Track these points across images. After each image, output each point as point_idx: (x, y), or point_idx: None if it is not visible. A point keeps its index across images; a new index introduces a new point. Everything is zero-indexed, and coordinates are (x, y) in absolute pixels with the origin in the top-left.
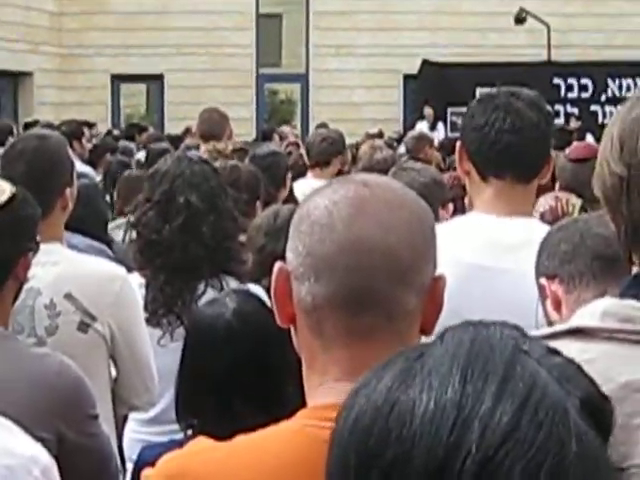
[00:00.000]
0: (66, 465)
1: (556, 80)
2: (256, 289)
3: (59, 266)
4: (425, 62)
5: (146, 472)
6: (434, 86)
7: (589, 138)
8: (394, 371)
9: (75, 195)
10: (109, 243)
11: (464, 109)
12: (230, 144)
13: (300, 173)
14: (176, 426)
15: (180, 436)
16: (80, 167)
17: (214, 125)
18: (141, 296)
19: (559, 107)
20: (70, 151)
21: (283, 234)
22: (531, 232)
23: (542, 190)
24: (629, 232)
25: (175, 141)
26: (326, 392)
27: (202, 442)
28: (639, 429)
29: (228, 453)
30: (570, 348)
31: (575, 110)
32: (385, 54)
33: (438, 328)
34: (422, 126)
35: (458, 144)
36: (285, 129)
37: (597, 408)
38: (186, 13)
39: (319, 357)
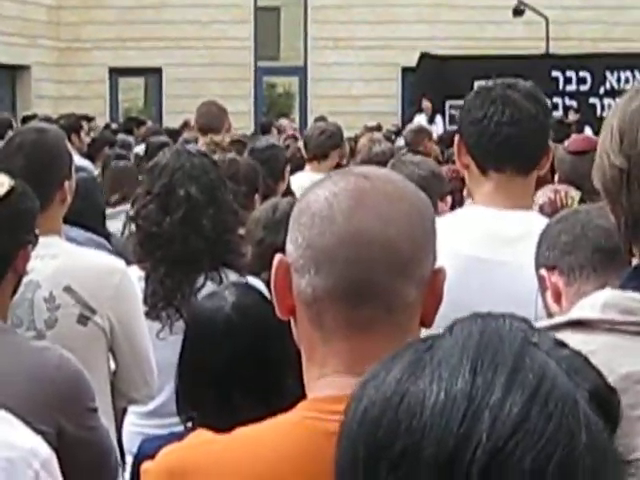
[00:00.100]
0: (66, 458)
1: (554, 73)
2: (255, 282)
3: (58, 259)
4: (423, 55)
5: (146, 465)
6: (432, 79)
7: (587, 131)
8: (403, 363)
9: (74, 188)
10: (107, 236)
11: (462, 102)
12: (227, 136)
13: (298, 166)
14: (175, 419)
15: (180, 429)
16: (78, 161)
17: (212, 118)
18: (140, 289)
19: (557, 100)
20: (69, 145)
21: (282, 227)
22: (530, 225)
23: (541, 183)
24: (629, 224)
25: (173, 134)
26: (326, 384)
27: (202, 435)
28: None
29: (227, 445)
30: (571, 340)
31: (573, 103)
32: (383, 47)
33: (437, 320)
34: (420, 119)
35: (456, 138)
36: (283, 122)
37: (604, 400)
38: (184, 7)
39: (319, 349)
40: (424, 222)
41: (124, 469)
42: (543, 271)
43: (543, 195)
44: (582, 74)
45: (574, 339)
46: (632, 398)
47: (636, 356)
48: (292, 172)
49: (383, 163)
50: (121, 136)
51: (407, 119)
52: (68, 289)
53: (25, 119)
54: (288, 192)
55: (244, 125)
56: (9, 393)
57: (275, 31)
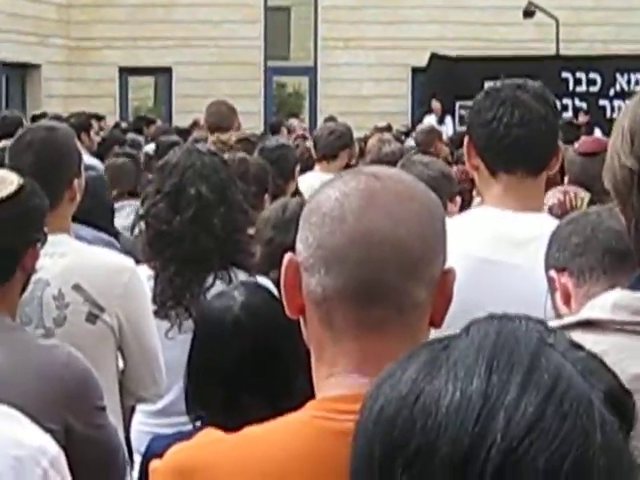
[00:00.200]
0: (74, 456)
1: (564, 74)
2: (264, 281)
3: (67, 257)
4: (433, 55)
5: (154, 463)
6: (442, 80)
7: (597, 132)
8: (419, 362)
9: (83, 187)
10: (116, 235)
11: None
12: (234, 135)
13: (307, 166)
14: (184, 418)
15: (188, 428)
16: (87, 159)
17: (222, 118)
18: (149, 288)
19: (567, 101)
20: (78, 143)
21: (291, 227)
22: (541, 227)
23: (551, 184)
24: (639, 226)
25: (183, 134)
26: (335, 384)
27: (210, 433)
28: None
29: (236, 444)
30: (582, 340)
31: (583, 104)
32: (394, 47)
33: (447, 321)
34: (430, 120)
35: (466, 139)
36: (293, 122)
37: (620, 401)
38: (194, 6)
39: (328, 349)
40: (434, 222)
41: (132, 468)
42: (553, 272)
43: (553, 196)
44: (592, 76)
45: (585, 339)
46: None
47: None
48: (301, 172)
49: (393, 163)
50: (131, 135)
51: (417, 120)
52: (77, 287)
53: (35, 118)
54: (296, 192)
55: (254, 125)
56: (18, 391)
57: (285, 31)
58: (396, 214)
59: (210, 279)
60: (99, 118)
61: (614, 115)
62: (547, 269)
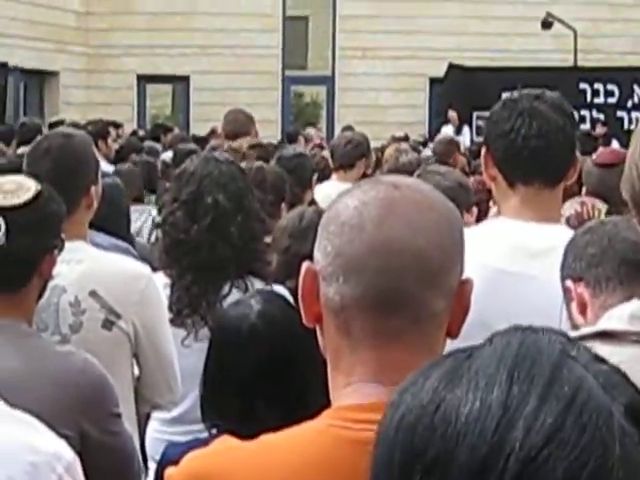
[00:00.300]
0: (89, 463)
1: (582, 85)
2: (281, 290)
3: (84, 264)
4: (451, 66)
5: (170, 470)
6: (460, 90)
7: (615, 144)
8: (441, 371)
9: (100, 194)
10: (132, 242)
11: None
12: (245, 142)
13: (324, 175)
14: (199, 426)
15: (204, 435)
16: (104, 167)
17: (240, 126)
18: (165, 296)
19: (585, 112)
20: (95, 150)
21: (308, 235)
22: (558, 239)
23: (568, 195)
24: None
25: (200, 142)
26: (351, 393)
27: (226, 441)
28: None
29: (253, 452)
30: (600, 351)
31: (601, 116)
32: (411, 57)
33: (463, 332)
34: (447, 130)
35: (483, 150)
36: (310, 131)
37: (638, 418)
38: (213, 14)
39: (345, 358)
40: (453, 232)
41: (147, 475)
42: (569, 282)
43: (570, 207)
44: (610, 87)
45: (603, 350)
46: None
47: None
48: (318, 181)
49: (410, 173)
50: (148, 143)
51: (434, 130)
52: (93, 294)
53: (52, 125)
54: (311, 202)
55: (271, 134)
56: (33, 397)
57: (303, 40)
58: (415, 223)
59: (226, 287)
60: (117, 126)
61: (632, 126)
62: (563, 279)
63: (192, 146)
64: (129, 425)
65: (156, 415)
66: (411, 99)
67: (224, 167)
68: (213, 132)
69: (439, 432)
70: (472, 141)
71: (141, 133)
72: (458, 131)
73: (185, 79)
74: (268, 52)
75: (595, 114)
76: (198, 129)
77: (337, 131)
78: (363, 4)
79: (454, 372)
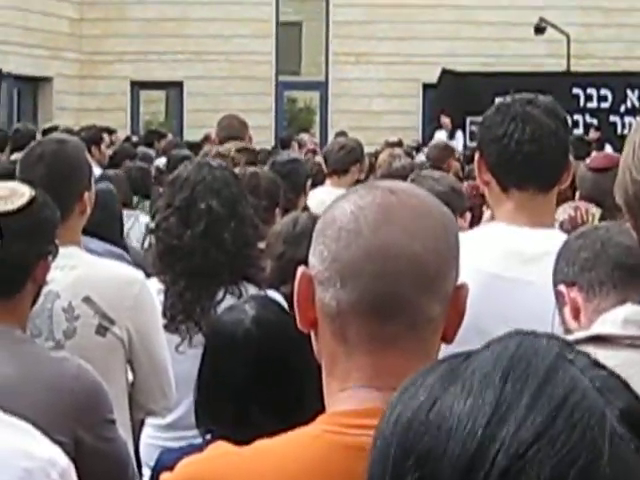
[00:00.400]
0: (83, 469)
1: (575, 90)
2: (275, 295)
3: (77, 270)
4: (444, 71)
5: (164, 476)
6: (453, 95)
7: (608, 149)
8: (439, 372)
9: (93, 200)
10: (125, 248)
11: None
12: (232, 145)
13: (318, 181)
14: (193, 432)
15: (198, 441)
16: (97, 173)
17: (234, 132)
18: (159, 302)
19: (578, 117)
20: (88, 156)
21: (302, 241)
22: (552, 243)
23: (562, 200)
24: None
25: (194, 148)
26: (346, 398)
27: (221, 446)
28: None
29: (247, 457)
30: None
31: (594, 120)
32: (405, 63)
33: (458, 336)
34: (441, 135)
35: (476, 155)
36: (304, 137)
37: (636, 422)
38: (206, 20)
39: (341, 363)
40: (449, 237)
41: None
42: (562, 287)
43: (564, 212)
44: (603, 92)
45: (597, 355)
46: None
47: None
48: (312, 187)
49: (403, 178)
50: (142, 149)
51: (427, 135)
52: (87, 300)
53: (46, 131)
54: (304, 208)
55: (264, 139)
56: (28, 403)
57: (296, 46)
58: (412, 228)
59: (220, 293)
60: (110, 132)
61: (625, 131)
62: (556, 283)
63: (186, 152)
64: (123, 431)
65: (150, 421)
66: (404, 104)
67: (218, 173)
68: (207, 138)
69: (433, 428)
70: (465, 146)
71: (135, 139)
72: (451, 136)
73: (179, 85)
74: (261, 58)
75: (588, 119)
76: (192, 135)
77: (330, 137)
78: (356, 10)
79: (451, 373)
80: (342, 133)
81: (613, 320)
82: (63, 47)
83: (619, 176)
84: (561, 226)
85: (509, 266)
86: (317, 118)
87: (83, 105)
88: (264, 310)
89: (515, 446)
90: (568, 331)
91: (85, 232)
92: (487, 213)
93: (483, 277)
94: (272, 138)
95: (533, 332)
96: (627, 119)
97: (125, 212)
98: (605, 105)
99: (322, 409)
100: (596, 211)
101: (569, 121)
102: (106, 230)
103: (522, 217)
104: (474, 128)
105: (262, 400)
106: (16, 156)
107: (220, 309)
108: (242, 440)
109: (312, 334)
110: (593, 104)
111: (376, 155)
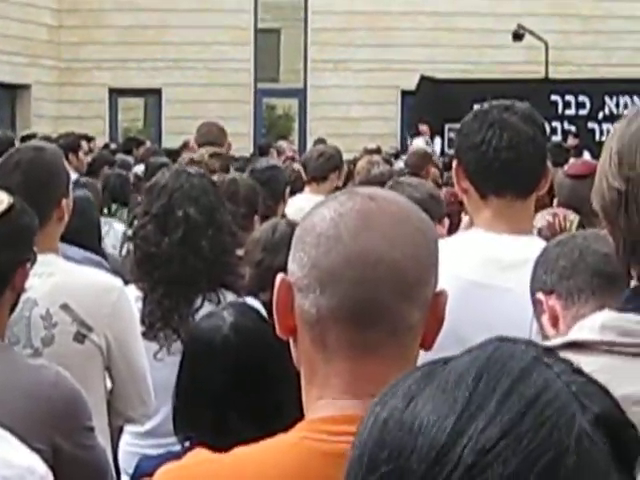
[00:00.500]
0: (61, 477)
1: (553, 97)
2: (253, 303)
3: (55, 277)
4: (423, 78)
5: None
6: (432, 102)
7: (586, 155)
8: (418, 374)
9: (71, 206)
10: (103, 255)
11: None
12: (205, 151)
13: (296, 188)
14: (172, 439)
15: (177, 449)
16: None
17: (213, 139)
18: (137, 309)
19: (556, 124)
20: (66, 163)
21: (281, 248)
22: (531, 250)
23: (540, 206)
24: (627, 246)
25: (173, 155)
26: (325, 405)
27: (200, 453)
28: None
29: (227, 464)
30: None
31: (572, 127)
32: (383, 70)
33: (437, 343)
34: (419, 142)
35: (454, 163)
36: (282, 144)
37: (614, 427)
38: (185, 28)
39: (320, 370)
40: (428, 243)
41: None
42: (540, 295)
43: (542, 218)
44: (581, 99)
45: (575, 361)
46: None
47: (634, 377)
48: (290, 194)
49: (381, 185)
50: (120, 156)
51: (406, 142)
52: (65, 307)
53: (24, 138)
54: (282, 216)
55: (243, 146)
56: (6, 411)
57: (275, 53)
58: (391, 235)
59: (199, 301)
60: (89, 139)
61: (603, 138)
62: (533, 292)
63: (164, 159)
64: (102, 438)
65: (129, 428)
66: (383, 111)
67: (195, 180)
68: (186, 145)
69: (406, 425)
70: (443, 152)
71: (113, 146)
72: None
73: (157, 92)
74: (240, 65)
75: (566, 126)
76: (170, 142)
77: (309, 144)
78: (334, 17)
79: (428, 375)
80: (321, 140)
81: (591, 326)
82: (41, 54)
83: (596, 183)
84: (539, 233)
85: (488, 273)
86: (296, 125)
87: (61, 112)
88: (242, 317)
89: (482, 442)
90: (546, 338)
91: (63, 239)
92: (465, 219)
93: (462, 284)
94: (251, 145)
95: (513, 338)
96: (605, 126)
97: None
98: (583, 112)
99: (301, 416)
100: (574, 218)
101: (547, 128)
102: (84, 237)
103: (501, 224)
104: (452, 135)
105: (240, 407)
106: None
107: (198, 316)
108: (221, 447)
109: (291, 341)
110: (571, 111)
111: (354, 162)
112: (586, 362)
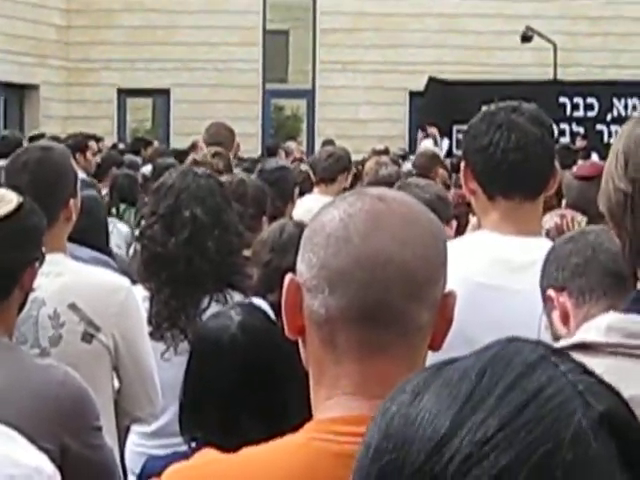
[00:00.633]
0: (69, 476)
1: (562, 99)
2: (260, 303)
3: (63, 277)
4: (431, 79)
5: None
6: (440, 103)
7: (594, 157)
8: (426, 372)
9: (79, 206)
10: (110, 255)
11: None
12: (208, 153)
13: (305, 189)
14: (178, 439)
15: (183, 449)
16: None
17: (221, 139)
18: (144, 309)
19: (565, 126)
20: (74, 163)
21: (289, 249)
22: (540, 251)
23: (548, 208)
24: (634, 248)
25: (181, 155)
26: (334, 405)
27: (208, 453)
28: None
29: (235, 464)
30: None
31: (581, 129)
32: (391, 71)
33: (445, 344)
34: (428, 143)
35: (462, 164)
36: (291, 145)
37: (620, 427)
38: (193, 28)
39: (329, 370)
40: (437, 245)
41: None
42: (551, 291)
43: (550, 220)
44: (589, 100)
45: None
46: None
47: (638, 379)
48: (299, 195)
49: (389, 186)
50: (128, 156)
51: (414, 143)
52: (73, 306)
53: (32, 138)
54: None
55: (251, 147)
56: (14, 410)
57: (284, 54)
58: (401, 236)
59: (205, 301)
60: (98, 139)
61: (611, 140)
62: (544, 288)
63: (171, 160)
64: (109, 438)
65: (136, 428)
66: (391, 113)
67: (202, 181)
68: (194, 146)
69: (410, 418)
70: (451, 153)
71: (121, 146)
72: (437, 143)
73: (165, 92)
74: (248, 66)
75: (575, 127)
76: (178, 142)
77: (317, 145)
78: (343, 18)
79: (436, 372)
80: (329, 141)
81: (597, 327)
82: (50, 54)
83: (602, 184)
84: (547, 234)
85: (496, 274)
86: (304, 126)
87: (70, 113)
88: (250, 316)
89: (480, 433)
90: (557, 336)
91: (71, 239)
92: (472, 221)
93: (470, 285)
94: (259, 146)
95: (522, 338)
96: (613, 128)
97: None
98: (592, 114)
99: (309, 417)
100: (582, 219)
101: (555, 130)
102: (92, 237)
103: (509, 225)
104: (460, 136)
105: (248, 406)
106: (2, 163)
107: (205, 317)
108: (228, 447)
109: (300, 342)
110: (580, 113)
111: (363, 163)
112: (592, 364)
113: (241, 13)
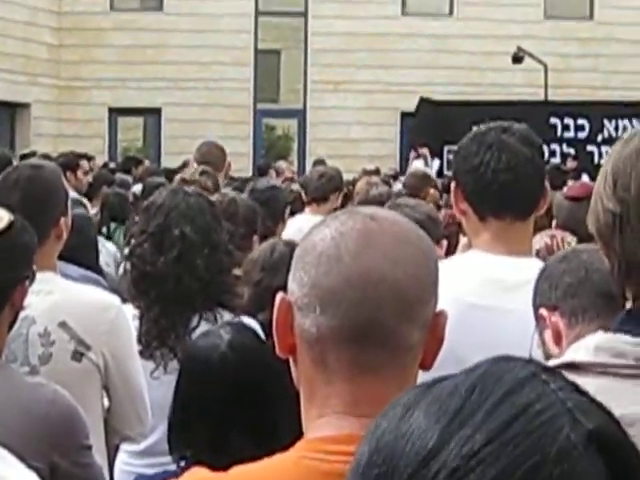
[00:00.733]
0: None
1: (553, 120)
2: (250, 322)
3: (54, 295)
4: (422, 100)
5: None
6: (431, 124)
7: (585, 178)
8: (416, 389)
9: (69, 225)
10: (100, 273)
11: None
12: (196, 171)
13: (295, 209)
14: (168, 459)
15: (173, 468)
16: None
17: (213, 158)
18: (134, 328)
19: (555, 147)
20: (65, 182)
21: (280, 268)
22: (532, 272)
23: (539, 228)
24: (622, 268)
25: (172, 174)
26: (325, 425)
27: (198, 472)
28: None
29: None
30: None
31: (571, 150)
32: (383, 91)
33: (436, 364)
34: (419, 164)
35: (453, 184)
36: (281, 164)
37: (609, 445)
38: (185, 47)
39: (320, 390)
40: (429, 263)
41: None
42: (543, 310)
43: (540, 240)
44: (580, 122)
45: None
46: None
47: (627, 398)
48: (290, 214)
49: (380, 205)
50: (119, 175)
51: (405, 164)
52: (63, 325)
53: (23, 157)
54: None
55: (242, 167)
56: (3, 428)
57: (275, 73)
58: (393, 255)
59: (195, 320)
60: (89, 158)
61: (602, 161)
62: (536, 305)
63: (161, 180)
64: (99, 457)
65: (125, 447)
66: (382, 133)
67: (192, 200)
68: (185, 165)
69: (400, 433)
70: (441, 173)
71: (112, 165)
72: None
73: (157, 112)
74: (240, 85)
75: (565, 148)
76: (170, 161)
77: (308, 164)
78: (334, 38)
79: (427, 389)
80: (320, 161)
81: (586, 347)
82: (41, 73)
83: (591, 204)
84: (537, 254)
85: (487, 294)
86: (295, 146)
87: (61, 131)
88: (239, 335)
89: (468, 447)
90: (548, 354)
91: (61, 257)
92: (463, 241)
93: (461, 306)
94: (250, 165)
95: (513, 357)
96: (604, 149)
97: None
98: (582, 135)
99: (300, 436)
100: (572, 240)
101: (546, 150)
102: (82, 255)
103: (500, 245)
104: (452, 157)
105: (238, 425)
106: None
107: (195, 335)
108: (218, 466)
109: (291, 361)
110: (570, 134)
111: (353, 183)
112: (583, 383)
113: (233, 32)
